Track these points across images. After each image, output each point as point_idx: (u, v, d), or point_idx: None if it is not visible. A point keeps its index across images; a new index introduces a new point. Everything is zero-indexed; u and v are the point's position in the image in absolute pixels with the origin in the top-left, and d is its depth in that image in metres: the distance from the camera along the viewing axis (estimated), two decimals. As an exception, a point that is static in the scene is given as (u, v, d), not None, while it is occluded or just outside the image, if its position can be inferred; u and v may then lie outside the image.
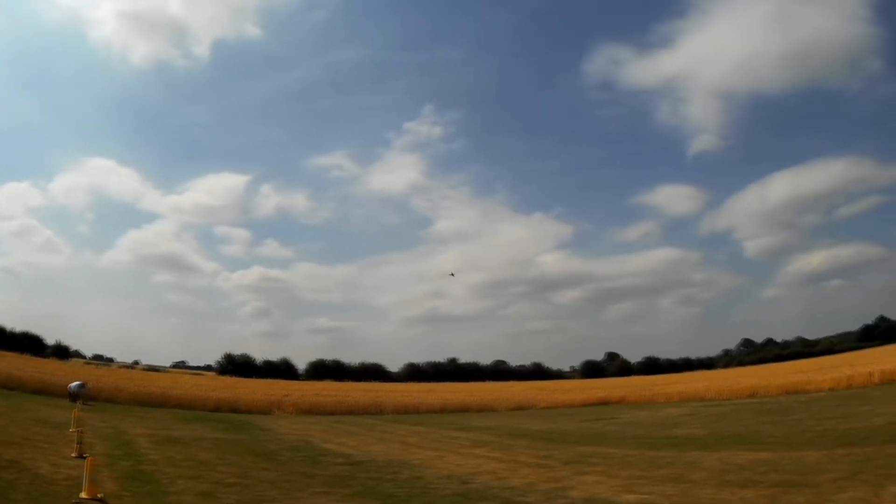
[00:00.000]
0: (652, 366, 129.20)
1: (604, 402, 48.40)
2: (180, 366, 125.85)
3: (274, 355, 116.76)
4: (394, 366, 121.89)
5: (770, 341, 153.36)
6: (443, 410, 42.77)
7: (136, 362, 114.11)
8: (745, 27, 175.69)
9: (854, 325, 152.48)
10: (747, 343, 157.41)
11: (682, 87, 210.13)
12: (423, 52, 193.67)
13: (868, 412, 24.72)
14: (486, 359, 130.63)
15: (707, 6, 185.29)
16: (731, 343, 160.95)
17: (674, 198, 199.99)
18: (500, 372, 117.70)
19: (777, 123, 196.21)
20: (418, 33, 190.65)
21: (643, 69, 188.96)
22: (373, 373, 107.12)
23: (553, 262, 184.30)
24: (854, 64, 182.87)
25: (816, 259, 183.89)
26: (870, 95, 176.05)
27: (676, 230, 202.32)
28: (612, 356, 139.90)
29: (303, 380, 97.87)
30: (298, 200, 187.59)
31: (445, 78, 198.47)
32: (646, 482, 13.67)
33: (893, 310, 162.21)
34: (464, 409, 43.54)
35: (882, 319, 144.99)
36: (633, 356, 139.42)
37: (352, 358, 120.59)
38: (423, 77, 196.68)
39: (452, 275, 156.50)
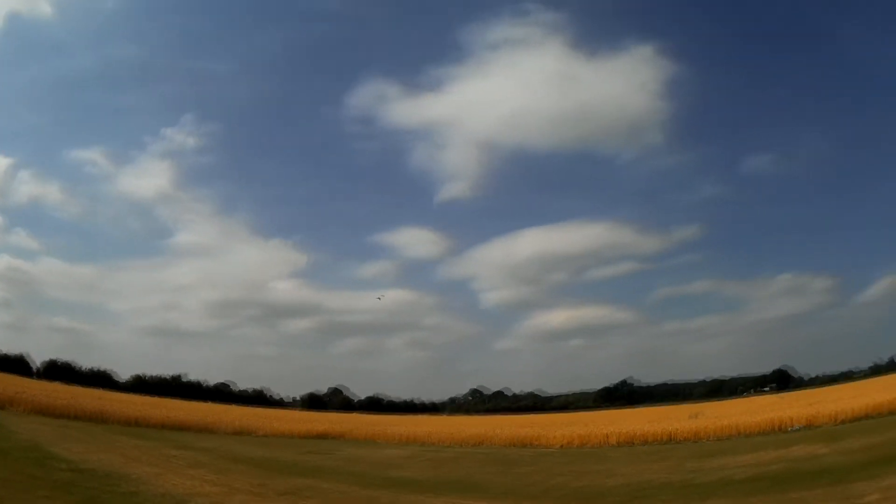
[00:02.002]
0: (376, 404, 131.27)
1: (324, 436, 47.96)
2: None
3: (11, 349, 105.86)
4: (124, 374, 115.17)
5: (501, 393, 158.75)
6: (165, 426, 41.65)
7: None
8: (522, 82, 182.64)
9: (594, 386, 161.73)
10: (476, 392, 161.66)
11: (443, 132, 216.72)
12: (193, 59, 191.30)
13: (603, 471, 25.60)
14: (212, 378, 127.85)
15: (487, 56, 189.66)
16: (460, 391, 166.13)
17: (415, 240, 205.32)
18: (223, 393, 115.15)
19: (538, 181, 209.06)
20: (193, 41, 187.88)
21: (407, 109, 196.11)
22: (102, 379, 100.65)
23: (286, 289, 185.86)
24: (633, 133, 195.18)
25: (559, 317, 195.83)
26: (644, 166, 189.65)
27: (414, 272, 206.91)
28: (336, 391, 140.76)
29: (36, 378, 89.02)
30: (52, 192, 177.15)
31: (211, 89, 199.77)
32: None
33: (637, 374, 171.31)
34: (185, 428, 42.44)
35: (624, 383, 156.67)
36: (358, 393, 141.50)
37: (85, 361, 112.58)
38: (189, 85, 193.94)
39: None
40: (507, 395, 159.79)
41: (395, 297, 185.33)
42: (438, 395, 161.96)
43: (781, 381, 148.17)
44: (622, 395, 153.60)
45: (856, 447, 25.07)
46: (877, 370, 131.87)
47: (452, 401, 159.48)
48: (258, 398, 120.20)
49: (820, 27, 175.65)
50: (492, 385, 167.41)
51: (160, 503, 14.08)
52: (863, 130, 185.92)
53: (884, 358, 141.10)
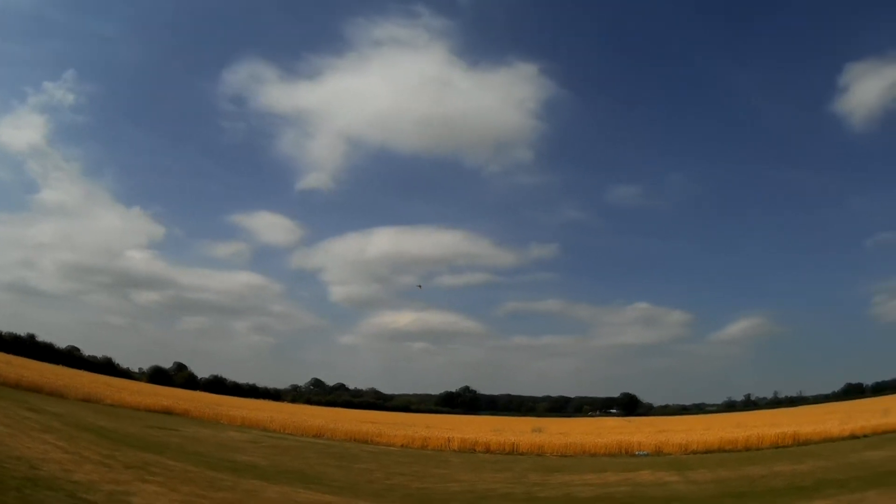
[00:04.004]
0: (218, 384, 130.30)
1: (168, 412, 47.80)
2: None
3: None
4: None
5: (342, 386, 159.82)
6: (17, 386, 40.93)
7: None
8: (399, 82, 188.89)
9: (436, 390, 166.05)
10: (318, 383, 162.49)
11: (313, 121, 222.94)
12: (84, 17, 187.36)
13: (444, 475, 25.62)
14: (61, 341, 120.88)
15: (369, 52, 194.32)
16: (301, 380, 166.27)
17: (270, 226, 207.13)
18: (73, 358, 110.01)
19: (400, 182, 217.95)
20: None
21: (281, 94, 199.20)
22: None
23: (140, 260, 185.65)
24: (501, 148, 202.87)
25: (405, 319, 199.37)
26: (508, 181, 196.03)
27: (266, 258, 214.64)
28: (180, 366, 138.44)
29: None
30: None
31: (95, 49, 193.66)
32: (206, 503, 14.40)
33: (479, 383, 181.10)
34: (36, 389, 41.74)
35: (467, 390, 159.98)
36: (201, 371, 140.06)
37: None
38: (76, 42, 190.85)
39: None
40: (348, 389, 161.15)
41: (245, 279, 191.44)
42: (278, 381, 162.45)
43: (628, 405, 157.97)
44: (464, 401, 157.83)
45: (706, 479, 25.05)
46: (731, 406, 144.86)
47: (295, 388, 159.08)
48: (107, 367, 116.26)
49: (705, 75, 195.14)
50: (332, 378, 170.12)
51: (14, 466, 14.00)
52: (731, 179, 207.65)
53: (738, 395, 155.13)
